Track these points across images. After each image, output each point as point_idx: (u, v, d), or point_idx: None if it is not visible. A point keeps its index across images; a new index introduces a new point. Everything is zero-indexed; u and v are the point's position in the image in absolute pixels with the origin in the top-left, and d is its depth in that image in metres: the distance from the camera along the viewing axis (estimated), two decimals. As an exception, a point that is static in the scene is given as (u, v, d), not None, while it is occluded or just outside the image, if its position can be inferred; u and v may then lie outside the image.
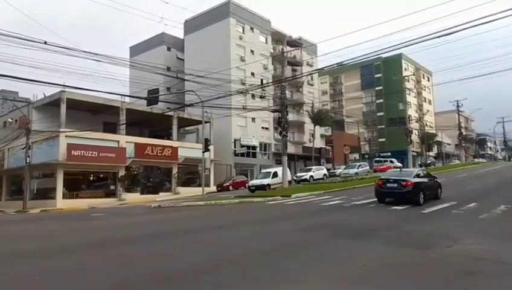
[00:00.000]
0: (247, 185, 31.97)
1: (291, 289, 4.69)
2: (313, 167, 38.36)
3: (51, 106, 31.34)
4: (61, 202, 28.08)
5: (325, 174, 36.82)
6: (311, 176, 34.80)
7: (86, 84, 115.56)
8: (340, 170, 39.38)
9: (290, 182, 28.77)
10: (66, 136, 28.99)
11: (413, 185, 13.46)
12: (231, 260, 6.47)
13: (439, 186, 15.55)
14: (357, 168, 36.84)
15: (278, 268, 5.62)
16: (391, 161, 47.85)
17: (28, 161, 27.83)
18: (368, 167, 39.72)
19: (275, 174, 28.53)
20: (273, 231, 9.64)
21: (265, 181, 27.96)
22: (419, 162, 66.22)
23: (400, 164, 42.14)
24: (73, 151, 28.59)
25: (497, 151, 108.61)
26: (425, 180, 14.70)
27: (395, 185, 13.84)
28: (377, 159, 53.85)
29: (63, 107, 29.77)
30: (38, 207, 26.80)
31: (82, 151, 29.06)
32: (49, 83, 27.99)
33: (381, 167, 38.97)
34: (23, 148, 28.36)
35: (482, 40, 35.50)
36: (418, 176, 14.39)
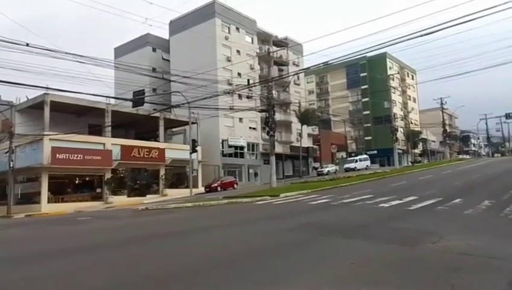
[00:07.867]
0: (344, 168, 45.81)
1: (280, 289, 4.68)
2: (357, 158, 49.94)
3: (34, 108, 30.76)
4: (46, 207, 27.62)
5: (367, 165, 47.15)
6: (355, 167, 45.40)
7: (70, 86, 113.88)
8: (327, 169, 45.49)
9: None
10: (50, 139, 28.52)
11: None
12: (220, 261, 6.44)
13: None
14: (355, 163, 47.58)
15: (268, 268, 5.61)
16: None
17: (11, 165, 27.32)
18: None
19: (357, 161, 47.28)
20: (261, 231, 9.65)
21: (352, 165, 44.30)
22: (410, 160, 70.12)
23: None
24: (57, 155, 28.13)
25: (481, 147, 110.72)
26: None
27: None
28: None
29: (47, 110, 29.26)
30: (23, 212, 26.36)
31: (67, 155, 28.61)
32: (32, 86, 27.27)
33: None
34: (6, 153, 27.82)
35: (463, 39, 36.20)
36: None
